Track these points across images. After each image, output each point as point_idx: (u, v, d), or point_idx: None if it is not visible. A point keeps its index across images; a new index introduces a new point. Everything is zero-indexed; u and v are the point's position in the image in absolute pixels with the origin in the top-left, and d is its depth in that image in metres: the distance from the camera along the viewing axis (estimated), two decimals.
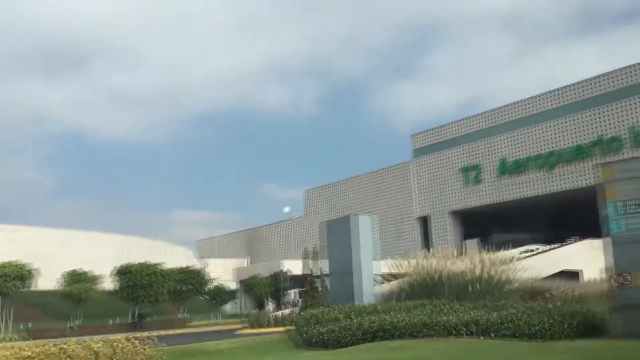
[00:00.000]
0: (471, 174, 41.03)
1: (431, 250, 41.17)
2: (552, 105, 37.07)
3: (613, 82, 34.19)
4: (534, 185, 37.36)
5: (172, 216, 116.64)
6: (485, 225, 44.43)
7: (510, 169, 38.65)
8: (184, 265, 33.41)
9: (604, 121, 34.27)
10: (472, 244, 40.19)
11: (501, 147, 39.48)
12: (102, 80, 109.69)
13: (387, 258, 22.20)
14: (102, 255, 36.62)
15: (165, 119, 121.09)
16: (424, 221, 44.39)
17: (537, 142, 37.46)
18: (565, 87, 36.57)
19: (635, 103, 32.97)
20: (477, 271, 15.98)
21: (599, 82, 34.87)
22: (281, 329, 15.32)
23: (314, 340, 10.65)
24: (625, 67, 33.87)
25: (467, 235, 42.98)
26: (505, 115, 39.73)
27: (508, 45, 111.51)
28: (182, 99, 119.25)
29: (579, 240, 31.89)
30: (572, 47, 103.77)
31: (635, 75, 33.23)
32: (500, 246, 37.31)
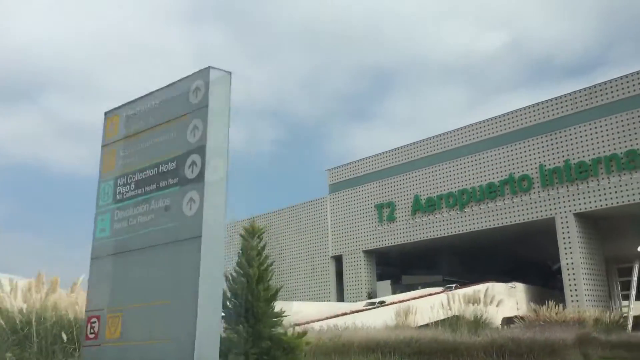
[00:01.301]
0: (385, 211, 39.49)
1: (344, 292, 39.16)
2: (464, 142, 36.09)
3: (522, 119, 33.50)
4: (446, 224, 36.07)
5: None
6: (399, 265, 42.91)
7: (423, 207, 37.31)
8: None
9: (515, 159, 33.42)
10: (385, 285, 38.57)
11: (415, 184, 38.18)
12: (51, 112, 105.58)
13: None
14: None
15: None
16: (339, 260, 42.43)
17: (449, 180, 36.32)
18: (477, 123, 35.71)
19: (544, 141, 32.26)
20: None
21: (509, 119, 34.14)
22: None
23: None
24: (533, 105, 33.26)
25: (381, 276, 41.32)
26: (419, 151, 38.56)
27: (461, 94, 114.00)
28: None
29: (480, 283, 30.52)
30: (524, 97, 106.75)
31: (544, 113, 32.62)
32: (410, 288, 35.88)
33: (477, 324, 18.77)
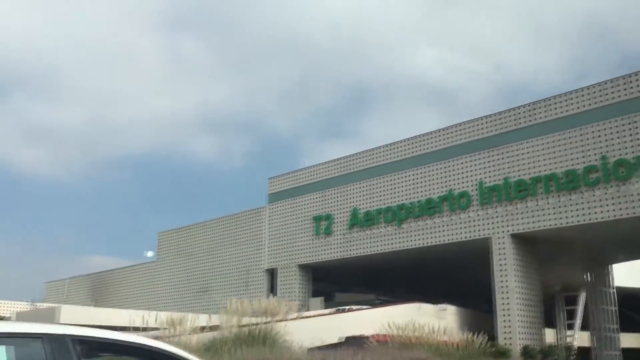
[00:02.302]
0: (323, 224, 37.57)
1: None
2: (404, 155, 34.49)
3: (464, 134, 32.05)
4: (383, 240, 34.27)
5: (82, 262, 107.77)
6: (336, 282, 41.01)
7: (361, 221, 35.50)
8: None
9: (455, 175, 31.88)
10: (316, 302, 36.50)
11: (354, 197, 36.39)
12: (20, 113, 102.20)
13: None
14: None
15: (83, 158, 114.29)
16: (274, 274, 40.27)
17: (388, 194, 34.61)
18: (418, 137, 34.17)
19: (485, 157, 30.81)
20: None
21: (451, 133, 32.66)
22: None
23: None
24: (475, 120, 31.86)
25: (317, 292, 39.27)
26: (360, 163, 36.84)
27: (434, 117, 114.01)
28: (104, 140, 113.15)
29: (406, 302, 28.79)
30: None
31: (485, 128, 31.22)
32: (342, 306, 33.84)
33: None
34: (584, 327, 39.80)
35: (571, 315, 41.15)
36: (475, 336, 21.22)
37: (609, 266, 36.85)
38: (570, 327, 41.36)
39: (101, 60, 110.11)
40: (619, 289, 39.71)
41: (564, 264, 37.15)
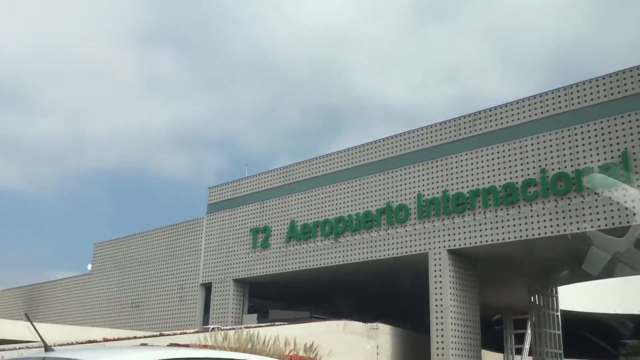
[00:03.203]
0: (260, 236, 35.69)
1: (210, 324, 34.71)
2: (344, 165, 32.97)
3: (404, 145, 30.69)
4: (320, 254, 32.52)
5: (49, 277, 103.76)
6: (270, 298, 39.06)
7: (298, 234, 33.72)
8: None
9: (394, 187, 30.41)
10: (251, 319, 34.40)
11: (293, 209, 34.66)
12: None
13: None
14: None
15: (53, 172, 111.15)
16: (209, 289, 38.12)
17: (327, 206, 32.97)
18: (357, 147, 32.72)
19: (424, 169, 29.44)
20: None
21: (391, 144, 31.27)
22: None
23: None
24: (416, 130, 30.54)
25: (251, 308, 37.23)
26: (299, 173, 35.19)
27: None
28: (75, 154, 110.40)
29: (328, 320, 26.98)
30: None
31: (426, 139, 29.90)
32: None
33: None
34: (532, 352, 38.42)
35: (521, 339, 39.74)
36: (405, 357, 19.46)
37: (554, 288, 35.59)
38: (519, 351, 39.93)
39: (74, 73, 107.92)
40: (564, 312, 38.51)
41: (509, 285, 35.80)
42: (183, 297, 38.93)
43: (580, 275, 34.36)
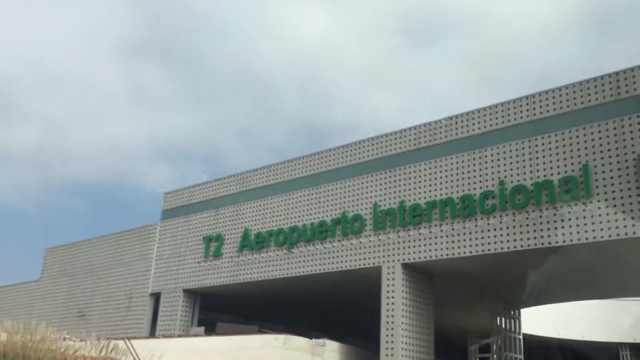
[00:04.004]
0: (213, 245, 33.97)
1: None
2: (300, 173, 31.54)
3: (362, 153, 29.35)
4: (272, 265, 30.88)
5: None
6: (221, 310, 37.27)
7: (251, 243, 32.08)
8: None
9: (350, 196, 29.00)
10: (198, 332, 32.51)
11: (247, 217, 33.06)
12: None
13: None
14: None
15: (35, 181, 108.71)
16: (159, 299, 36.21)
17: (281, 215, 31.42)
18: (315, 154, 31.34)
19: (382, 178, 28.07)
20: None
21: (349, 152, 29.93)
22: None
23: None
24: (374, 138, 29.24)
25: (201, 321, 35.33)
26: (255, 180, 33.67)
27: None
28: (56, 164, 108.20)
29: (265, 333, 25.28)
30: None
31: (385, 147, 28.60)
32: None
33: None
34: None
35: None
36: None
37: (517, 310, 34.20)
38: None
39: (59, 83, 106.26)
40: (527, 336, 37.13)
41: (472, 305, 34.38)
42: (131, 307, 36.94)
43: (545, 297, 33.11)
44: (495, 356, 33.48)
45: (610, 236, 20.98)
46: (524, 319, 36.62)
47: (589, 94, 23.10)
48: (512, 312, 33.63)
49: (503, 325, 32.89)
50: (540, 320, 40.85)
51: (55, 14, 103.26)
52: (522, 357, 33.06)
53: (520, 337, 33.59)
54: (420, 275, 27.13)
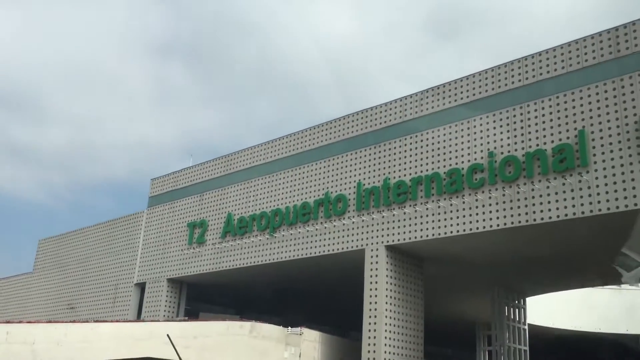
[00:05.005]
0: (197, 231, 32.32)
1: None
2: (284, 153, 29.66)
3: (346, 130, 27.33)
4: (255, 251, 29.07)
5: None
6: (206, 300, 35.61)
7: (234, 228, 30.32)
8: None
9: (333, 175, 27.02)
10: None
11: (230, 201, 31.32)
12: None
13: None
14: None
15: (64, 181, 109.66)
16: (144, 289, 34.72)
17: (265, 198, 29.61)
18: (298, 133, 29.43)
19: (365, 155, 26.02)
20: None
21: (332, 129, 27.94)
22: None
23: None
24: (359, 112, 27.20)
25: (188, 312, 33.69)
26: (238, 163, 31.90)
27: None
28: (84, 163, 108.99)
29: (228, 319, 23.42)
30: None
31: (370, 122, 26.53)
32: None
33: None
34: None
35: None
36: None
37: (522, 299, 31.77)
38: None
39: (87, 84, 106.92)
40: (536, 327, 34.73)
41: (471, 292, 32.09)
42: (117, 298, 35.54)
43: (552, 283, 30.67)
44: (497, 348, 31.13)
45: (609, 209, 18.64)
46: (535, 309, 34.30)
47: (586, 53, 20.71)
48: (516, 301, 31.22)
49: (506, 314, 30.52)
50: (551, 311, 38.31)
51: (83, 15, 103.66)
52: (526, 348, 30.66)
53: (526, 327, 31.17)
54: (408, 259, 25.02)
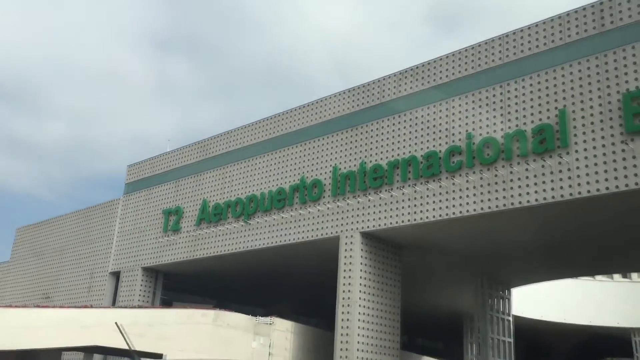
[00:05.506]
0: (172, 219, 31.30)
1: None
2: (260, 137, 28.61)
3: (324, 112, 26.26)
4: (230, 238, 28.04)
5: None
6: (182, 289, 34.62)
7: (209, 216, 29.28)
8: None
9: (309, 159, 25.97)
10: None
11: (206, 187, 30.29)
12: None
13: None
14: None
15: (65, 176, 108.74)
16: (119, 277, 33.71)
17: (240, 184, 28.56)
18: (275, 116, 28.37)
19: (342, 139, 24.95)
20: None
21: (310, 111, 26.87)
22: None
23: None
24: (336, 95, 26.13)
25: (165, 302, 32.74)
26: (215, 147, 30.85)
27: None
28: (85, 157, 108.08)
29: (188, 307, 22.42)
30: None
31: (347, 104, 25.46)
32: None
33: None
34: None
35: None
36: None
37: (507, 290, 30.79)
38: None
39: (85, 78, 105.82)
40: (523, 319, 33.79)
41: (455, 282, 31.12)
42: (92, 287, 34.55)
43: (537, 274, 29.73)
44: (479, 340, 30.16)
45: (589, 192, 17.59)
46: (522, 301, 33.40)
47: (569, 29, 19.61)
48: (500, 292, 30.23)
49: (490, 305, 29.55)
50: (541, 303, 37.39)
51: (82, 9, 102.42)
52: (511, 340, 29.68)
53: (510, 318, 30.18)
54: (385, 246, 23.99)
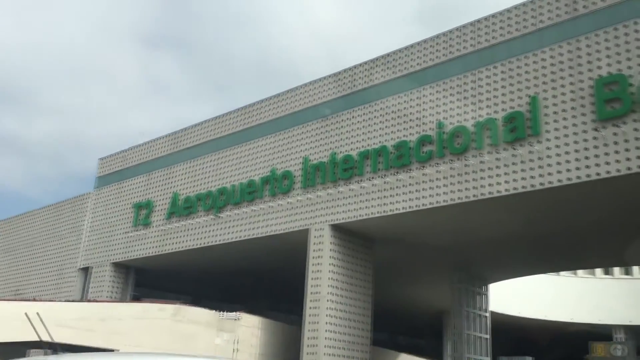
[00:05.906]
0: (142, 213, 30.46)
1: None
2: (231, 129, 27.86)
3: (295, 102, 25.56)
4: (200, 232, 27.28)
5: None
6: (154, 286, 33.81)
7: (180, 209, 28.50)
8: None
9: (279, 151, 25.26)
10: None
11: (177, 180, 29.50)
12: None
13: None
14: None
15: (54, 174, 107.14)
16: (89, 273, 32.81)
17: (211, 176, 27.80)
18: (247, 107, 27.65)
19: (314, 129, 24.26)
20: None
21: (280, 102, 26.16)
22: None
23: None
24: (308, 84, 25.44)
25: (133, 297, 31.90)
26: (186, 140, 30.06)
27: None
28: (74, 155, 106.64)
29: (144, 301, 21.69)
30: None
31: (316, 94, 24.78)
32: None
33: None
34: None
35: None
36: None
37: (484, 285, 30.22)
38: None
39: (75, 75, 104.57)
40: (502, 316, 33.27)
41: (431, 278, 30.52)
42: (61, 283, 33.63)
43: (514, 269, 29.21)
44: (455, 337, 29.58)
45: (560, 181, 17.02)
46: (503, 297, 32.87)
47: (541, 14, 19.03)
48: (477, 287, 29.66)
49: (466, 300, 28.96)
50: (522, 299, 36.91)
51: (72, 6, 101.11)
52: (488, 337, 29.12)
53: (487, 314, 29.63)
54: (356, 239, 23.32)
